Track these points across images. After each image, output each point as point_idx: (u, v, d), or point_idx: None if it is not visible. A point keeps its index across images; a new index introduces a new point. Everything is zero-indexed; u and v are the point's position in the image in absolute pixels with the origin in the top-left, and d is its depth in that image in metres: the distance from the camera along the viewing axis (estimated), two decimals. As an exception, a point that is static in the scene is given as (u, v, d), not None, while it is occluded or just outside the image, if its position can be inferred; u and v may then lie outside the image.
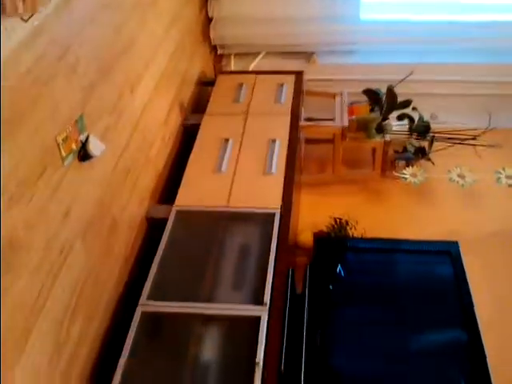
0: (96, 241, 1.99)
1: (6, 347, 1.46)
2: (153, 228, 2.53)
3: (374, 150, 3.41)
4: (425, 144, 3.37)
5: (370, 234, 2.91)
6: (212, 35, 3.62)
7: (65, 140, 1.77)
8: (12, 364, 1.49)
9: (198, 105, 3.29)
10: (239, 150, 2.84)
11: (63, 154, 1.77)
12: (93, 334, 1.98)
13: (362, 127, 3.31)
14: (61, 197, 1.74)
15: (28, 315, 1.57)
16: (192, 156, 2.79)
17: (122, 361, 1.92)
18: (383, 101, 3.37)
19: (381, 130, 3.29)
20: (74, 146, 1.83)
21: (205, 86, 3.44)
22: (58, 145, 1.74)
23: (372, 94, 3.43)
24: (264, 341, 1.99)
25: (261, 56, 3.81)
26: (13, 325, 1.49)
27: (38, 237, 1.62)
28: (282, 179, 2.67)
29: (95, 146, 1.89)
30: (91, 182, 1.97)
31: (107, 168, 2.11)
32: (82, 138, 1.88)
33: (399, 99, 3.33)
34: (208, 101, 3.18)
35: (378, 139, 3.28)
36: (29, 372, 1.57)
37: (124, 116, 2.27)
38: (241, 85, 3.31)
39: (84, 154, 1.87)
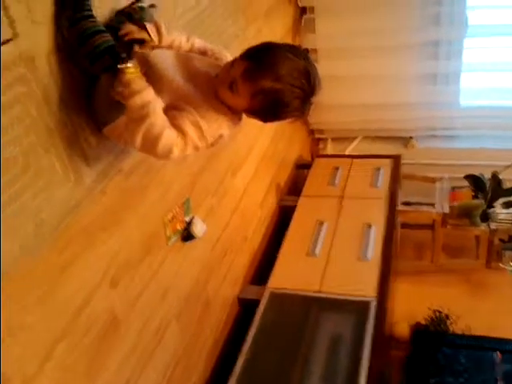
0: (190, 321, 2.03)
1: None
2: (244, 309, 2.53)
3: (477, 239, 3.22)
4: (534, 233, 3.13)
5: (472, 331, 2.68)
6: (310, 120, 3.74)
7: (171, 221, 1.87)
8: None
9: (295, 187, 3.35)
10: (334, 234, 2.82)
11: (168, 234, 1.86)
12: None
13: (464, 214, 3.16)
14: (161, 277, 1.81)
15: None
16: (287, 237, 2.81)
17: None
18: (487, 187, 3.22)
19: (486, 217, 3.11)
20: (178, 227, 1.93)
21: (302, 168, 3.51)
22: (164, 225, 1.84)
23: (475, 180, 3.30)
24: None
25: (357, 140, 3.85)
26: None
27: (136, 318, 1.67)
28: (378, 266, 2.58)
29: (198, 228, 1.98)
30: (190, 261, 2.04)
31: (206, 248, 2.18)
32: (187, 219, 1.97)
33: (505, 186, 3.16)
34: (304, 183, 3.24)
35: (482, 227, 3.11)
36: None
37: (225, 198, 2.37)
38: (337, 168, 3.34)
39: (187, 235, 1.95)
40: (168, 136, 1.26)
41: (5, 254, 1.17)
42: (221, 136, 1.40)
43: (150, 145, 1.26)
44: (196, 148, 1.34)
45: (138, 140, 1.26)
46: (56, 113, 1.30)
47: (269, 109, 1.33)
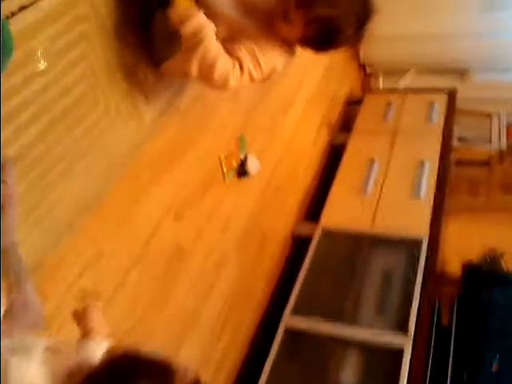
0: (247, 254, 2.10)
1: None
2: (297, 244, 2.58)
3: (535, 176, 3.12)
4: None
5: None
6: (361, 54, 3.61)
7: (227, 157, 1.90)
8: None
9: (346, 124, 3.29)
10: (386, 171, 2.78)
11: (225, 170, 1.89)
12: (239, 343, 2.07)
13: (522, 151, 3.06)
14: (220, 212, 1.87)
15: (184, 323, 1.70)
16: (338, 176, 2.80)
17: (267, 368, 1.98)
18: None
19: (545, 154, 3.00)
20: (234, 164, 1.95)
21: (353, 105, 3.43)
22: (221, 162, 1.87)
23: (535, 115, 3.16)
24: (407, 373, 1.92)
25: (410, 74, 3.70)
26: (169, 332, 1.63)
27: (199, 249, 1.75)
28: (431, 204, 2.55)
29: (253, 165, 2.00)
30: (246, 198, 2.08)
31: (261, 185, 2.21)
32: (242, 156, 2.00)
33: None
34: (356, 120, 3.17)
35: (541, 164, 3.00)
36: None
37: (277, 136, 2.37)
38: (389, 104, 3.24)
39: (242, 172, 1.98)
40: (223, 62, 1.26)
41: (82, 192, 1.23)
42: (274, 69, 1.39)
43: (207, 72, 1.26)
44: (251, 78, 1.33)
45: (195, 68, 1.26)
46: (117, 51, 1.31)
47: (323, 36, 1.30)
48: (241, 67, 1.29)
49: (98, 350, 1.02)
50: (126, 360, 0.80)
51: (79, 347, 1.02)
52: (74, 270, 1.29)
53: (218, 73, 1.26)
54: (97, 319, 1.07)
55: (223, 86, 1.30)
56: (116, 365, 0.79)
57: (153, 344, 1.57)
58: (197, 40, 1.24)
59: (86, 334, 1.06)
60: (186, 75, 1.38)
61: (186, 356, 1.72)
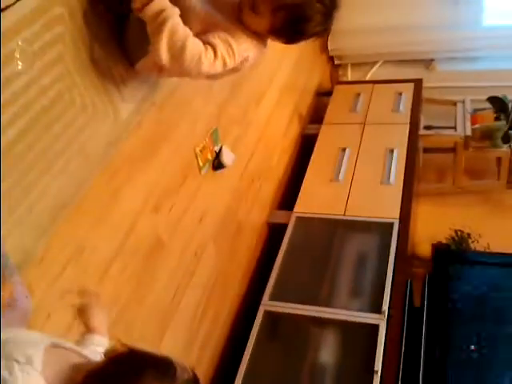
0: (224, 243, 2.17)
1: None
2: (273, 233, 2.66)
3: (499, 160, 3.25)
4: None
5: (493, 248, 2.79)
6: (330, 46, 3.69)
7: (202, 151, 1.96)
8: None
9: (316, 115, 3.38)
10: (356, 159, 2.88)
11: (200, 163, 1.95)
12: (219, 330, 2.14)
13: (486, 136, 3.18)
14: (197, 203, 1.93)
15: (165, 313, 1.76)
16: (311, 165, 2.88)
17: (248, 351, 2.06)
18: (509, 108, 3.20)
19: (507, 138, 3.13)
20: (209, 157, 2.01)
21: (322, 96, 3.52)
22: (196, 155, 1.93)
23: (497, 102, 3.28)
24: (382, 349, 2.02)
25: (378, 65, 3.80)
26: (150, 323, 1.68)
27: (178, 240, 1.81)
28: (401, 189, 2.66)
29: (227, 157, 2.06)
30: (222, 189, 2.14)
31: (235, 176, 2.28)
32: (216, 148, 2.05)
33: (527, 106, 3.14)
34: (326, 111, 3.26)
35: (504, 149, 3.13)
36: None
37: (250, 128, 2.43)
38: (358, 94, 3.34)
39: (218, 164, 2.04)
40: (194, 43, 1.25)
41: (61, 189, 1.27)
42: (247, 58, 1.40)
43: (178, 54, 1.24)
44: (225, 63, 1.33)
45: (164, 53, 1.24)
46: (91, 51, 1.35)
47: (291, 25, 1.32)
48: (214, 52, 1.29)
49: (100, 347, 1.06)
50: (130, 356, 0.83)
51: (81, 344, 1.05)
52: (56, 266, 1.32)
53: (189, 54, 1.24)
54: (98, 318, 1.11)
55: (197, 69, 1.28)
56: (121, 361, 0.82)
57: (135, 335, 1.63)
58: (160, 20, 1.22)
59: (88, 330, 1.09)
60: (160, 71, 1.42)
61: (168, 345, 1.78)
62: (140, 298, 1.63)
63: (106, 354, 0.84)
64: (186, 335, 1.90)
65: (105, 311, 1.14)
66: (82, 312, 1.11)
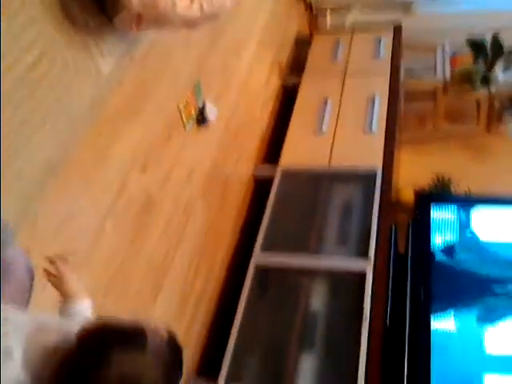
0: (213, 198, 2.17)
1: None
2: (259, 186, 2.67)
3: (478, 104, 3.27)
4: (535, 95, 3.18)
5: (474, 192, 2.85)
6: (307, -8, 3.60)
7: (185, 106, 1.93)
8: (146, 313, 1.72)
9: (297, 65, 3.33)
10: (339, 110, 2.87)
11: (184, 120, 1.92)
12: (212, 284, 2.18)
13: (465, 79, 3.19)
14: (184, 160, 1.91)
15: (159, 270, 1.78)
16: (293, 117, 2.87)
17: (241, 305, 2.10)
18: (488, 50, 3.20)
19: (486, 81, 3.14)
20: (193, 112, 1.98)
21: (302, 45, 3.45)
22: (180, 111, 1.90)
23: (475, 44, 3.27)
24: (370, 295, 2.08)
25: (356, 10, 3.73)
26: (145, 281, 1.70)
27: (167, 198, 1.81)
28: (383, 137, 2.68)
29: (211, 111, 2.04)
30: (207, 144, 2.13)
31: (220, 131, 2.26)
32: (200, 103, 2.02)
33: (505, 48, 3.14)
34: (306, 61, 3.21)
35: (482, 92, 3.15)
36: (161, 319, 1.80)
37: (232, 81, 2.39)
38: (337, 43, 3.29)
39: (202, 119, 2.02)
40: None
41: (49, 152, 1.24)
42: (223, 5, 1.37)
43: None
44: (202, 8, 1.31)
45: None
46: (68, 10, 1.29)
47: None
48: None
49: (83, 312, 1.06)
50: (95, 333, 0.81)
51: (67, 316, 1.04)
52: (48, 231, 1.31)
53: None
54: (73, 282, 1.08)
55: (173, 12, 1.26)
56: (87, 341, 0.80)
57: (131, 292, 1.64)
58: None
59: (66, 298, 1.07)
60: (138, 24, 1.38)
61: (163, 303, 1.81)
62: (134, 257, 1.64)
63: (77, 335, 0.81)
64: (180, 291, 1.93)
65: (75, 272, 1.10)
66: (56, 280, 1.08)
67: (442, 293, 2.30)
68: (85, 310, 1.07)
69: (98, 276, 1.49)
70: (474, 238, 2.50)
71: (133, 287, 1.65)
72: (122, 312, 1.56)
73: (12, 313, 0.90)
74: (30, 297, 1.09)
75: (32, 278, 1.10)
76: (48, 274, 1.10)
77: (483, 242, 2.47)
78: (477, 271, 2.35)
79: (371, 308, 2.04)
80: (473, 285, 2.32)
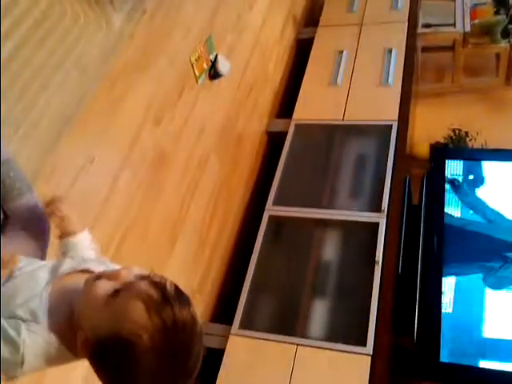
0: (226, 153, 2.20)
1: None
2: (273, 141, 2.68)
3: (498, 56, 3.19)
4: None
5: (491, 146, 2.82)
6: None
7: (197, 60, 1.93)
8: (164, 262, 1.78)
9: (311, 18, 3.27)
10: (354, 62, 2.83)
11: (197, 73, 1.93)
12: (227, 233, 2.24)
13: (485, 32, 3.10)
14: (197, 114, 1.93)
15: (175, 220, 1.83)
16: (307, 70, 2.84)
17: (255, 253, 2.16)
18: (509, 2, 3.09)
19: (507, 33, 3.05)
20: (205, 66, 1.99)
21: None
22: (192, 65, 1.90)
23: (497, -5, 3.16)
24: (382, 243, 2.11)
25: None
26: (163, 230, 1.76)
27: (181, 152, 1.84)
28: (399, 90, 2.64)
29: (223, 65, 2.03)
30: (220, 99, 2.14)
31: (233, 86, 2.26)
32: (212, 57, 2.02)
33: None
34: (321, 13, 3.15)
35: (503, 44, 3.06)
36: (178, 268, 1.87)
37: (245, 34, 2.37)
38: (354, -7, 3.20)
39: (214, 73, 2.02)
40: None
41: (62, 104, 1.28)
42: None
43: None
44: None
45: None
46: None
47: None
48: None
49: (84, 242, 1.07)
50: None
51: (75, 257, 1.03)
52: (66, 178, 1.35)
53: None
54: (74, 221, 1.08)
55: None
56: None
57: (149, 241, 1.71)
58: None
59: (68, 233, 1.07)
60: None
61: (180, 250, 1.87)
62: (150, 208, 1.69)
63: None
64: (195, 241, 1.98)
65: (73, 211, 1.09)
66: (59, 220, 1.08)
67: (454, 244, 2.33)
68: (85, 241, 1.08)
69: (115, 225, 1.54)
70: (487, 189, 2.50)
71: (150, 236, 1.71)
72: (139, 261, 1.62)
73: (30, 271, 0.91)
74: (46, 246, 1.12)
75: (49, 227, 1.14)
76: (51, 213, 1.09)
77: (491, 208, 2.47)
78: (485, 232, 2.36)
79: (383, 255, 2.08)
80: (482, 244, 2.34)
